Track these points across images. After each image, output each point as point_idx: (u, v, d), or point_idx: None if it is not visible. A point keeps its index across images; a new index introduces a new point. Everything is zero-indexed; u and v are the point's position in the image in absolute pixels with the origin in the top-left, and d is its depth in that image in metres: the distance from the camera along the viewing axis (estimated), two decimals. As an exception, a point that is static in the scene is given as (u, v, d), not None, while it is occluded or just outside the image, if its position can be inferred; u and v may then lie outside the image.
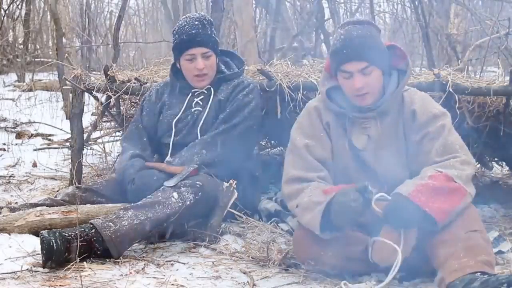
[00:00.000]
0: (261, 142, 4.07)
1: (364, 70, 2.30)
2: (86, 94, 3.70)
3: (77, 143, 3.59)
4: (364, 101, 2.36)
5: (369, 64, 2.30)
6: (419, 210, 2.07)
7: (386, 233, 2.14)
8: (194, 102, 3.03)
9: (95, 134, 4.60)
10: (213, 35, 3.02)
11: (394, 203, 2.12)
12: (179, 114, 3.02)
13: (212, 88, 3.02)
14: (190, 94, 3.04)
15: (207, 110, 2.98)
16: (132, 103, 3.85)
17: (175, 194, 2.57)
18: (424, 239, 2.15)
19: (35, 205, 2.81)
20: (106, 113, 3.85)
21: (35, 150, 4.90)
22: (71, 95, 3.71)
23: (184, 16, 3.15)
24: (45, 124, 5.89)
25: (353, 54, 2.29)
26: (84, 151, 3.89)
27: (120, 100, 3.68)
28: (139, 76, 3.50)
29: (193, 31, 2.96)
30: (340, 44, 2.32)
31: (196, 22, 2.98)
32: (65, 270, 2.22)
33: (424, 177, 2.18)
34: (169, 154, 2.97)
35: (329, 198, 2.16)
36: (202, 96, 3.03)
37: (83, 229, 2.36)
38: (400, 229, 2.11)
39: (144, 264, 2.35)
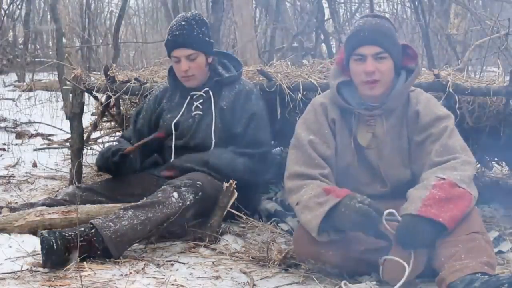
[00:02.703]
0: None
1: (378, 55, 2.33)
2: (86, 94, 3.70)
3: (77, 143, 3.58)
4: (373, 89, 2.36)
5: (383, 50, 2.33)
6: (432, 222, 2.05)
7: (396, 251, 2.11)
8: (194, 106, 3.02)
9: (95, 134, 4.60)
10: (201, 35, 2.96)
11: (406, 225, 2.08)
12: (178, 117, 3.02)
13: (210, 92, 3.01)
14: (189, 97, 3.04)
15: (213, 117, 2.96)
16: (132, 103, 3.85)
17: (175, 194, 2.57)
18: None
19: (35, 205, 2.81)
20: (106, 113, 3.85)
21: (35, 150, 4.90)
22: (71, 95, 3.71)
23: (178, 15, 3.14)
24: (45, 124, 5.89)
25: (368, 37, 2.32)
26: (84, 151, 3.88)
27: (120, 100, 3.68)
28: (139, 76, 3.50)
29: (177, 32, 2.94)
30: (358, 29, 2.36)
31: (183, 23, 2.95)
32: (65, 270, 2.22)
33: (428, 186, 2.16)
34: (172, 157, 2.97)
35: (333, 202, 2.14)
36: (201, 100, 3.02)
37: (83, 229, 2.35)
38: (414, 248, 2.09)
39: (144, 264, 2.35)
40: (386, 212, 2.13)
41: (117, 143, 3.19)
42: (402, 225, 2.10)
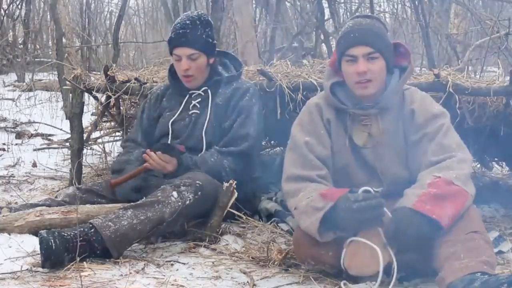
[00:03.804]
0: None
1: (369, 55, 2.32)
2: (86, 94, 3.70)
3: (77, 143, 3.59)
4: (366, 89, 2.36)
5: (374, 50, 2.32)
6: (425, 218, 2.05)
7: (364, 234, 2.10)
8: (192, 104, 3.02)
9: (95, 134, 4.60)
10: (205, 35, 2.95)
11: (400, 217, 2.08)
12: (176, 116, 3.01)
13: (209, 90, 3.01)
14: (188, 96, 3.04)
15: (207, 115, 2.97)
16: (132, 103, 3.85)
17: (174, 194, 2.57)
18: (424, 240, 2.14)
19: (35, 205, 2.81)
20: (106, 113, 3.85)
21: (35, 150, 4.91)
22: (71, 95, 3.71)
23: (183, 13, 3.13)
24: (45, 124, 5.90)
25: (359, 38, 2.33)
26: (84, 151, 3.89)
27: (120, 100, 3.68)
28: (139, 76, 3.50)
29: (180, 31, 2.93)
30: (349, 30, 2.36)
31: (187, 22, 2.94)
32: (65, 270, 2.22)
33: (424, 185, 2.16)
34: None
35: (328, 206, 2.13)
36: (200, 99, 3.02)
37: (82, 229, 2.35)
38: (407, 244, 2.08)
39: (144, 264, 2.35)
40: (361, 189, 2.12)
41: (124, 148, 3.13)
42: (395, 217, 2.09)
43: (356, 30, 2.34)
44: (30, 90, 7.81)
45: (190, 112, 3.01)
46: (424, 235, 2.07)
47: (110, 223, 2.40)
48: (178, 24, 2.96)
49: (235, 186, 2.69)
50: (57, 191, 3.26)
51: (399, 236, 2.07)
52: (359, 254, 2.13)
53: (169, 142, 3.00)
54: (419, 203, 2.08)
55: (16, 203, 3.22)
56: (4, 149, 4.88)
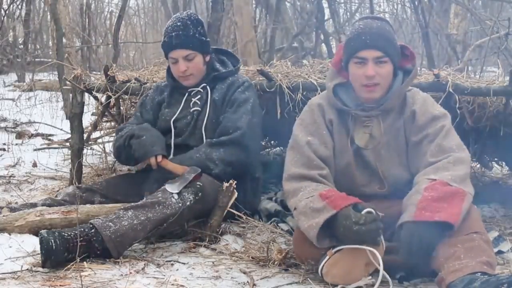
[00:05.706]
0: (261, 142, 4.07)
1: (379, 59, 2.33)
2: (86, 94, 3.70)
3: (77, 143, 3.59)
4: (372, 93, 2.37)
5: (384, 55, 2.32)
6: (429, 225, 2.04)
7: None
8: (192, 102, 3.02)
9: (95, 134, 4.60)
10: (198, 35, 2.95)
11: (406, 233, 2.06)
12: (177, 114, 3.01)
13: (208, 87, 3.01)
14: (187, 94, 3.04)
15: (207, 111, 2.97)
16: (132, 103, 3.85)
17: (175, 195, 2.57)
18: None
19: (35, 205, 2.82)
20: (106, 113, 3.85)
21: (35, 150, 4.91)
22: (71, 95, 3.71)
23: (173, 16, 3.13)
24: (45, 124, 5.90)
25: (371, 41, 2.32)
26: (84, 151, 3.89)
27: (120, 100, 3.69)
28: (139, 76, 3.50)
29: (173, 34, 2.93)
30: (359, 32, 2.35)
31: (179, 23, 2.94)
32: (65, 270, 2.22)
33: (419, 190, 2.15)
34: (171, 155, 2.97)
35: (328, 214, 2.12)
36: (199, 96, 3.02)
37: (82, 229, 2.35)
38: (423, 255, 2.06)
39: (144, 264, 2.35)
40: (365, 210, 2.10)
41: (121, 130, 3.09)
42: (402, 235, 2.08)
43: (367, 33, 2.33)
44: (30, 90, 7.82)
45: (192, 110, 3.01)
46: (435, 241, 2.06)
47: (110, 223, 2.40)
48: (170, 28, 2.96)
49: (235, 186, 2.69)
50: (57, 191, 3.26)
51: (414, 250, 2.06)
52: (339, 265, 2.13)
53: (172, 139, 2.98)
54: (419, 211, 2.07)
55: (16, 203, 3.22)
56: (4, 149, 4.88)
